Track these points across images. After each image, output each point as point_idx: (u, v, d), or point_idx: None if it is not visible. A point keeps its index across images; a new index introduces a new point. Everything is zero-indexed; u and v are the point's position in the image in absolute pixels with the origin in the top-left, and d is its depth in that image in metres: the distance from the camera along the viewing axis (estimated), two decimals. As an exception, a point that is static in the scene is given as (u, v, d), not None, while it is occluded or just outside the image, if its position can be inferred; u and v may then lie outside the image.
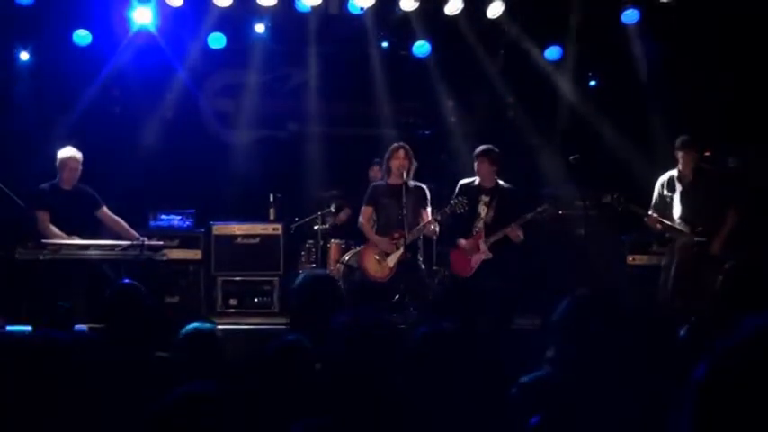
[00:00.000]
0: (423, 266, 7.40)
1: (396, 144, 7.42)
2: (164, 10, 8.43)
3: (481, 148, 7.32)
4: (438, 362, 2.81)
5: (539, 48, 9.18)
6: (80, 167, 7.22)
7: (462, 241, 7.34)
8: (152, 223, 8.41)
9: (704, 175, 7.36)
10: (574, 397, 2.49)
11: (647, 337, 2.68)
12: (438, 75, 9.28)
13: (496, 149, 7.28)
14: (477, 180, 7.35)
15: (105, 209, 7.30)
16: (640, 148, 8.73)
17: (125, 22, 8.48)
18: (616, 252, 8.36)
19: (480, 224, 7.31)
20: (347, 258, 7.89)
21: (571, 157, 7.90)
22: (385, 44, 9.34)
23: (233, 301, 8.42)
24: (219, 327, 4.03)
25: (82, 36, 8.57)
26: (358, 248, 7.76)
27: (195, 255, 8.39)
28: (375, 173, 8.60)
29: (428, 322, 2.99)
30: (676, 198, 7.34)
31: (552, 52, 9.14)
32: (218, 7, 8.39)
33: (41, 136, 8.41)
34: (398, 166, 7.22)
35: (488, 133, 8.82)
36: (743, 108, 8.55)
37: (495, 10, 8.55)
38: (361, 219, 7.46)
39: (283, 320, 7.38)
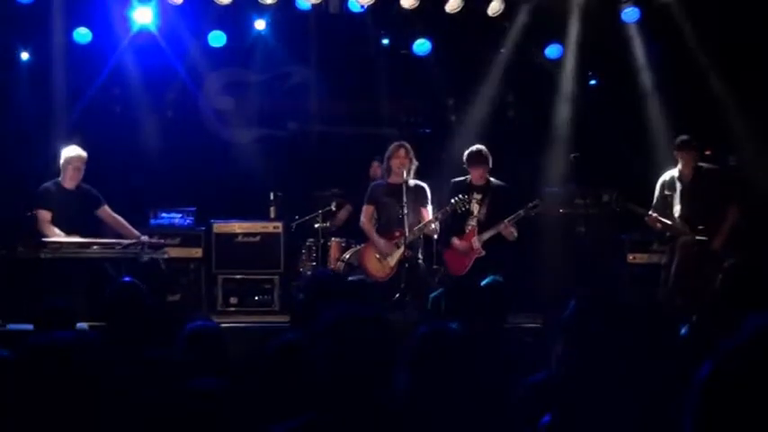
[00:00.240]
0: (423, 265, 7.41)
1: (396, 143, 7.43)
2: (164, 8, 8.43)
3: (474, 154, 7.32)
4: (438, 361, 2.81)
5: (539, 46, 9.18)
6: (84, 167, 7.21)
7: (456, 241, 7.36)
8: (153, 221, 8.42)
9: (704, 174, 7.36)
10: (581, 397, 2.48)
11: (648, 336, 2.68)
12: (438, 73, 9.27)
13: (486, 151, 7.30)
14: (469, 178, 7.39)
15: (107, 207, 7.30)
16: (640, 148, 8.72)
17: (125, 20, 8.48)
18: (616, 251, 8.36)
19: (473, 222, 7.35)
20: (347, 257, 7.89)
21: (571, 156, 7.90)
22: (385, 41, 9.33)
23: (233, 300, 8.42)
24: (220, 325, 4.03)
25: (82, 34, 8.57)
26: (358, 247, 7.77)
27: (196, 253, 8.40)
28: (375, 170, 8.61)
29: (428, 322, 2.99)
30: (677, 197, 7.34)
31: (552, 50, 9.14)
32: (219, 6, 8.39)
33: (42, 135, 8.41)
34: (399, 165, 7.23)
35: (488, 132, 8.84)
36: (743, 107, 8.54)
37: (495, 8, 8.54)
38: (362, 218, 7.47)
39: (284, 319, 7.37)
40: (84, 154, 7.21)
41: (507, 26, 8.94)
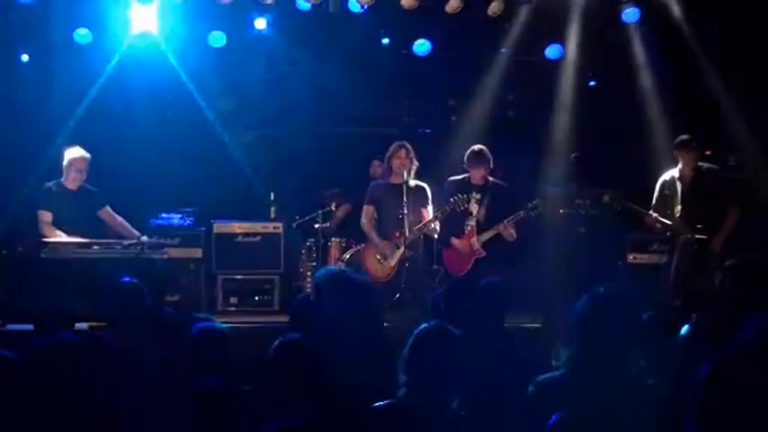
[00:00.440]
0: (423, 265, 7.41)
1: (397, 143, 7.44)
2: (164, 8, 8.43)
3: (475, 153, 7.31)
4: (438, 361, 2.81)
5: (539, 46, 9.18)
6: (87, 168, 7.18)
7: (456, 240, 7.36)
8: (152, 222, 8.40)
9: (705, 174, 7.36)
10: (590, 397, 2.48)
11: (649, 335, 2.68)
12: (438, 73, 9.27)
13: (487, 151, 7.30)
14: (467, 177, 7.38)
15: (108, 208, 7.29)
16: (640, 148, 8.72)
17: (125, 21, 8.48)
18: (616, 251, 8.36)
19: (472, 222, 7.34)
20: (348, 257, 7.89)
21: (571, 156, 7.90)
22: (385, 40, 9.32)
23: (233, 300, 8.41)
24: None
25: (82, 35, 8.57)
26: (359, 247, 7.77)
27: (196, 253, 8.39)
28: (376, 169, 8.62)
29: (428, 322, 2.99)
30: (677, 197, 7.34)
31: (552, 50, 9.14)
32: (219, 6, 8.39)
33: (42, 135, 8.41)
34: (400, 165, 7.24)
35: (488, 132, 8.84)
36: (742, 107, 8.54)
37: (495, 8, 8.54)
38: (363, 218, 7.48)
39: (284, 319, 7.37)
40: (87, 155, 7.19)
41: (507, 26, 8.94)
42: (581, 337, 2.80)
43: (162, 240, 7.45)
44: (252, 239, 8.56)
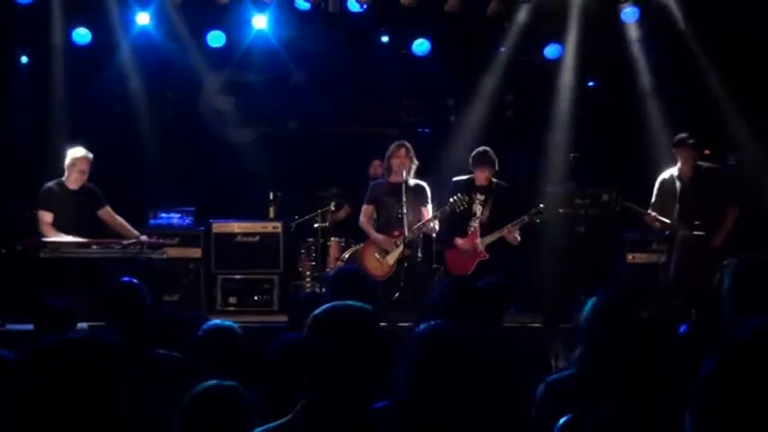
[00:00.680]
0: (422, 265, 7.40)
1: (397, 142, 7.44)
2: (163, 8, 8.43)
3: (481, 154, 7.31)
4: (437, 361, 2.81)
5: (539, 46, 9.18)
6: (89, 168, 7.15)
7: (459, 241, 7.37)
8: (152, 221, 8.41)
9: (704, 172, 7.36)
10: (601, 397, 2.48)
11: (649, 335, 2.68)
12: (438, 73, 9.27)
13: (492, 153, 7.30)
14: (471, 178, 7.38)
15: (108, 208, 7.26)
16: (640, 148, 8.72)
17: (125, 21, 8.48)
18: (616, 251, 8.36)
19: (476, 223, 7.35)
20: (347, 256, 7.89)
21: (571, 156, 7.90)
22: (385, 38, 9.32)
23: (233, 300, 8.42)
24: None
25: (82, 34, 8.57)
26: (358, 246, 7.77)
27: (195, 253, 8.39)
28: (376, 168, 8.63)
29: (428, 322, 2.98)
30: (676, 196, 7.34)
31: (552, 50, 9.14)
32: (218, 5, 8.39)
33: (42, 135, 8.40)
34: (399, 164, 7.24)
35: (488, 132, 8.85)
36: (742, 107, 8.54)
37: (494, 8, 8.55)
38: (361, 217, 7.48)
39: (283, 318, 7.37)
40: (90, 156, 7.13)
41: (507, 26, 8.94)
42: (589, 338, 2.80)
43: (161, 240, 7.45)
44: (251, 239, 8.57)
